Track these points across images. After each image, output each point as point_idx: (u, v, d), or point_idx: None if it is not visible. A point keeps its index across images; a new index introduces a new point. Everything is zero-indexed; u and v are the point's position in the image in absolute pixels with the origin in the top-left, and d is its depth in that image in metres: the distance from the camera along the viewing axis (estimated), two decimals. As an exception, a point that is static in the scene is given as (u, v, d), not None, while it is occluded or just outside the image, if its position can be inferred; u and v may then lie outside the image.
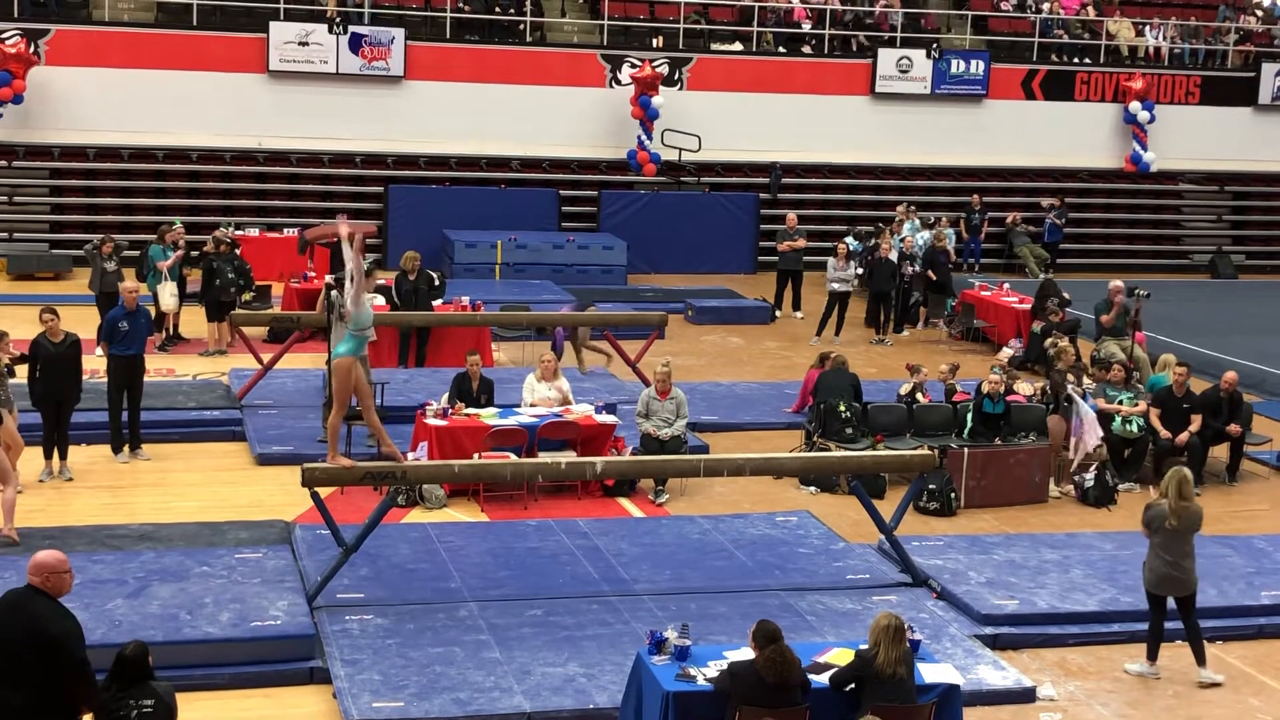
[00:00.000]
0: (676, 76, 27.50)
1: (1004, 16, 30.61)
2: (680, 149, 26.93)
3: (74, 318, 14.98)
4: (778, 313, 22.67)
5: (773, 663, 7.85)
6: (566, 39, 28.30)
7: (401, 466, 10.72)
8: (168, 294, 18.70)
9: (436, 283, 18.52)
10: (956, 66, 28.67)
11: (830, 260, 21.23)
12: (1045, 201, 28.14)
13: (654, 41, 28.08)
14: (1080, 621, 10.91)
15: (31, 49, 24.62)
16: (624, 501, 13.59)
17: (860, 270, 22.22)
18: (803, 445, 14.59)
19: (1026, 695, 9.73)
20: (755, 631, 8.03)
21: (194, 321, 18.98)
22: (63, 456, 13.46)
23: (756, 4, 28.56)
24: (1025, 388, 15.57)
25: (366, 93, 26.22)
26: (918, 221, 24.64)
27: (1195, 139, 29.71)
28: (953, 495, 13.60)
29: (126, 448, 14.05)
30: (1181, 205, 30.62)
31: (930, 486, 13.42)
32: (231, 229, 21.58)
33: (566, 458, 12.76)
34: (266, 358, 16.10)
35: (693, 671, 8.33)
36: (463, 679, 9.35)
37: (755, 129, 27.52)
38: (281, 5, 26.10)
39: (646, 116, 26.64)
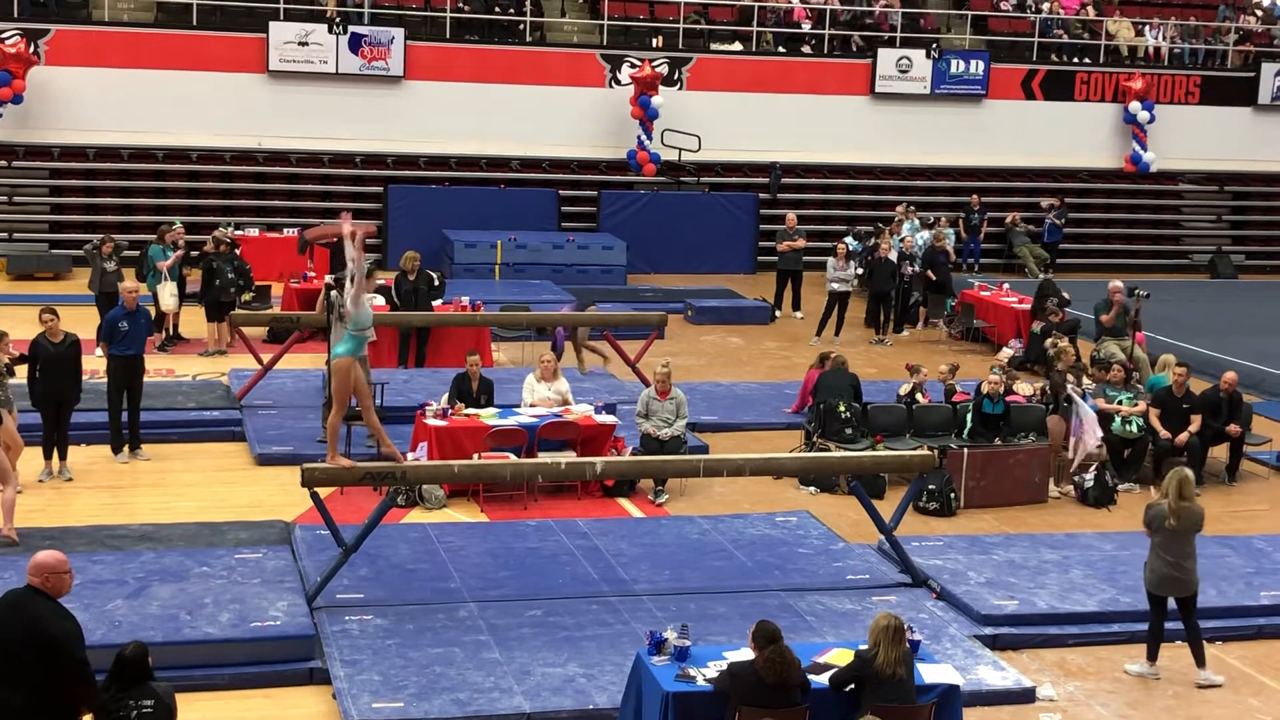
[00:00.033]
0: (676, 76, 27.50)
1: (1004, 16, 30.61)
2: (680, 149, 26.93)
3: (74, 318, 14.98)
4: (777, 313, 22.67)
5: (772, 663, 7.86)
6: (566, 39, 28.30)
7: (401, 467, 10.72)
8: (167, 294, 18.70)
9: (436, 283, 18.52)
10: (956, 66, 28.68)
11: (830, 260, 21.24)
12: (1045, 202, 28.13)
13: (654, 41, 28.08)
14: (1080, 622, 10.91)
15: (31, 49, 24.63)
16: (624, 502, 13.59)
17: (860, 270, 22.22)
18: (802, 445, 14.59)
19: (1026, 695, 9.74)
20: (755, 632, 8.03)
21: (194, 322, 18.98)
22: (62, 457, 13.46)
23: (756, 4, 28.56)
24: (1025, 388, 15.58)
25: (366, 93, 26.23)
26: (917, 221, 24.65)
27: (1195, 139, 29.71)
28: (952, 495, 13.60)
29: (126, 448, 14.05)
30: (1181, 205, 30.62)
31: (930, 487, 13.42)
32: (231, 229, 21.59)
33: (566, 458, 12.76)
34: (266, 358, 16.10)
35: (692, 672, 8.33)
36: (462, 679, 9.35)
37: (755, 129, 27.52)
38: (281, 5, 26.10)
39: (646, 116, 26.64)
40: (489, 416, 13.78)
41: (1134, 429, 14.73)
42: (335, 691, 9.24)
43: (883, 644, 8.03)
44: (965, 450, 13.87)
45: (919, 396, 15.18)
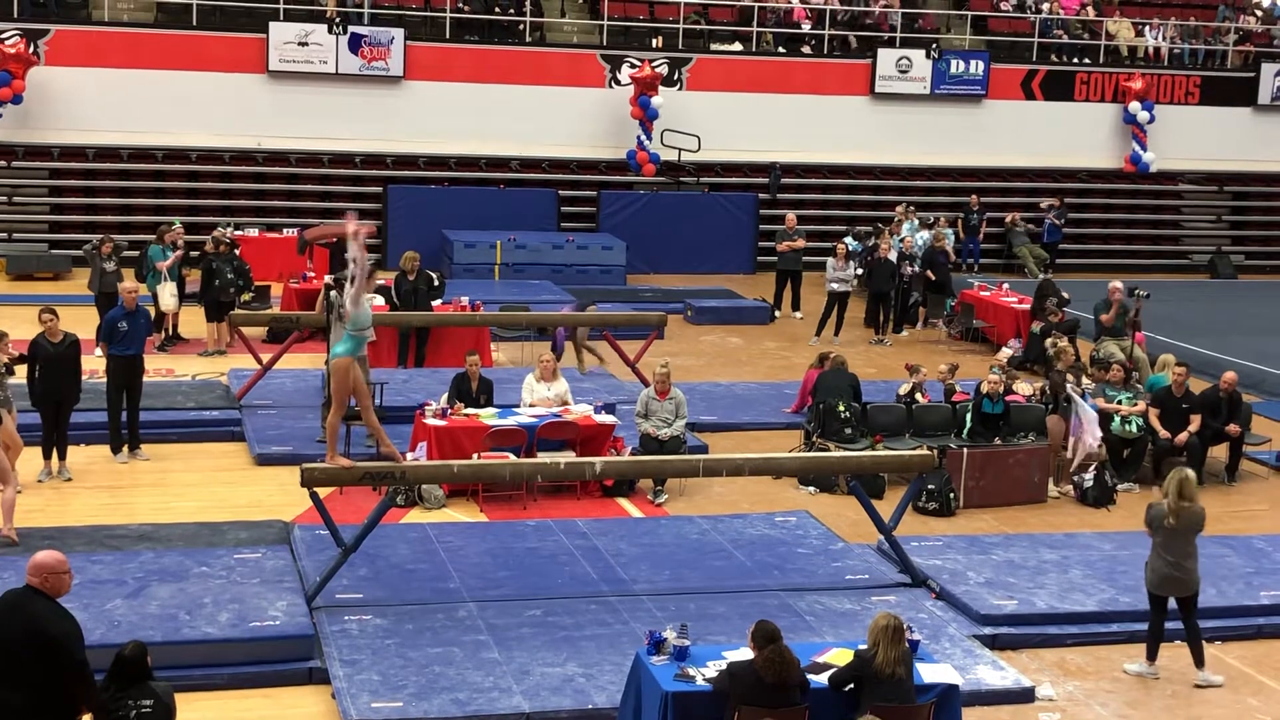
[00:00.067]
0: (676, 77, 27.50)
1: (1003, 16, 30.61)
2: (680, 149, 26.93)
3: (73, 318, 14.98)
4: (777, 313, 22.67)
5: (772, 663, 7.85)
6: (566, 39, 28.30)
7: (400, 467, 10.72)
8: (167, 294, 18.70)
9: (436, 283, 18.52)
10: (956, 67, 28.68)
11: (829, 260, 21.24)
12: (1044, 203, 28.12)
13: (653, 42, 28.08)
14: (1079, 622, 10.91)
15: (31, 49, 24.62)
16: (623, 502, 13.59)
17: (859, 270, 22.22)
18: (802, 445, 14.59)
19: (1025, 695, 9.74)
20: (754, 632, 8.03)
21: (193, 322, 18.98)
22: (62, 457, 13.45)
23: (756, 4, 28.56)
24: (1024, 388, 15.58)
25: (366, 93, 26.22)
26: (916, 222, 24.65)
27: (1195, 139, 29.71)
28: (952, 495, 13.60)
29: (125, 448, 14.05)
30: (1181, 205, 30.61)
31: (929, 487, 13.42)
32: (230, 229, 21.59)
33: (565, 458, 12.75)
34: (266, 358, 16.10)
35: (691, 672, 8.32)
36: (462, 679, 9.35)
37: (755, 129, 27.52)
38: (281, 5, 26.10)
39: (646, 117, 26.64)
40: (488, 416, 13.78)
41: (1133, 429, 14.73)
42: (334, 691, 9.24)
43: (882, 644, 8.03)
44: (965, 450, 13.87)
45: (918, 396, 15.18)
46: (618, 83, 27.16)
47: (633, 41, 28.11)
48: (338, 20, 25.93)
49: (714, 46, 28.26)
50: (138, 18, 26.40)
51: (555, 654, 9.79)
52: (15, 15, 25.10)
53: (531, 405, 14.21)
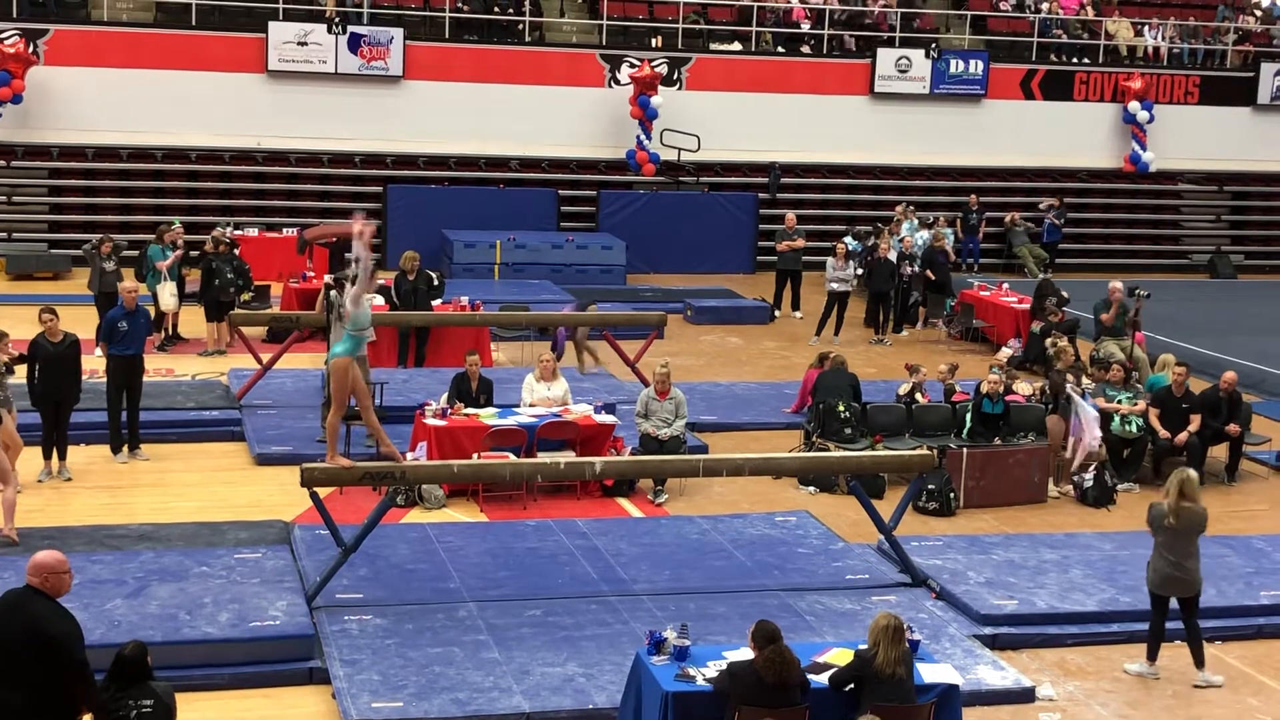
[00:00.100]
0: (675, 76, 27.50)
1: (1003, 16, 30.61)
2: (679, 149, 26.93)
3: (73, 318, 14.97)
4: (777, 313, 22.67)
5: (772, 663, 7.85)
6: (565, 39, 28.29)
7: (400, 466, 10.72)
8: (167, 294, 18.70)
9: (435, 283, 18.52)
10: (955, 66, 28.67)
11: (829, 260, 21.24)
12: (1044, 203, 28.11)
13: (653, 41, 28.07)
14: (1079, 621, 10.91)
15: (30, 49, 24.62)
16: (623, 501, 13.59)
17: (859, 270, 22.22)
18: (802, 445, 14.59)
19: (1026, 695, 9.74)
20: (754, 631, 8.03)
21: (193, 321, 18.98)
22: (61, 457, 13.45)
23: (755, 4, 28.55)
24: (1024, 388, 15.57)
25: (365, 92, 26.22)
26: (916, 221, 24.65)
27: (1194, 139, 29.71)
28: (952, 495, 13.60)
29: (125, 448, 14.05)
30: (1180, 205, 30.62)
31: (929, 486, 13.42)
32: (230, 229, 21.59)
33: (565, 458, 12.75)
34: (265, 358, 16.10)
35: (692, 672, 8.32)
36: (462, 679, 9.35)
37: (754, 129, 27.52)
38: (280, 5, 26.09)
39: (645, 116, 26.64)
40: (488, 416, 13.78)
41: (1133, 429, 14.73)
42: (335, 691, 9.24)
43: (882, 644, 8.03)
44: (965, 450, 13.87)
45: (918, 396, 15.18)
46: (617, 82, 27.16)
47: (632, 41, 28.11)
48: (337, 20, 25.93)
49: (713, 46, 28.25)
50: (137, 17, 26.39)
51: (555, 654, 9.79)
52: (15, 15, 25.09)
53: (531, 405, 14.21)
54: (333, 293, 13.70)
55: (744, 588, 11.23)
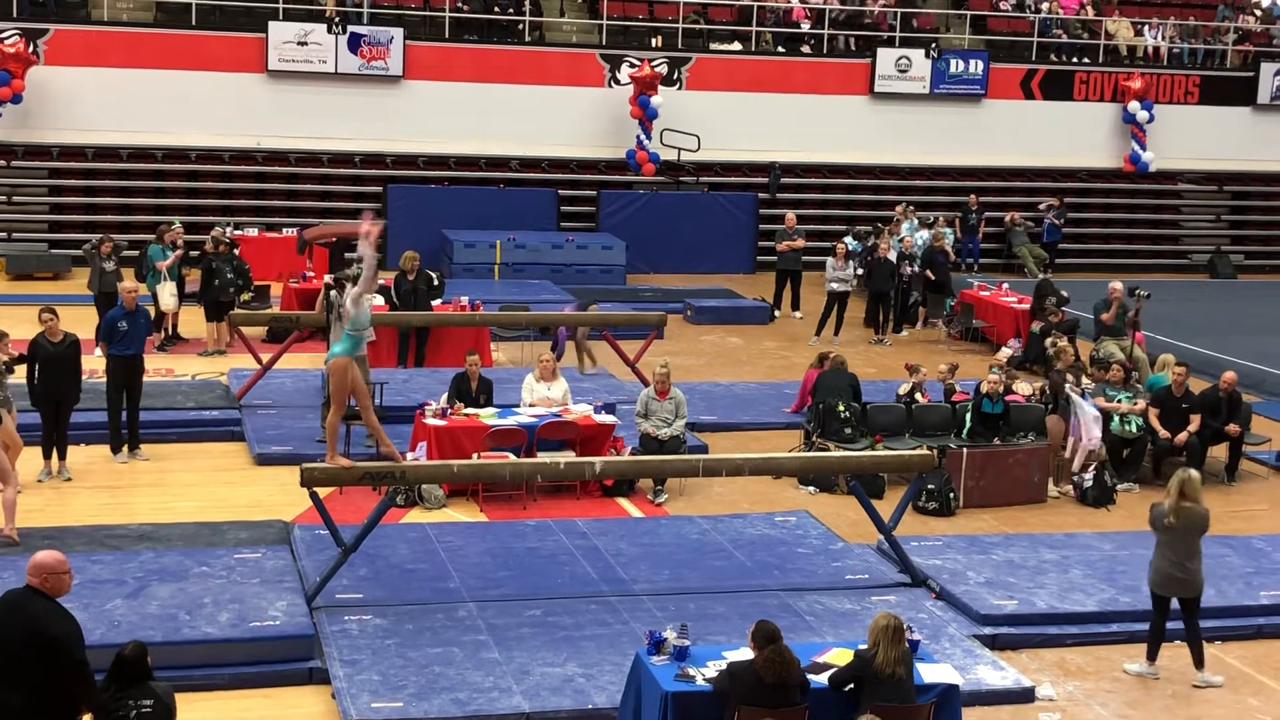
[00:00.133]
0: (675, 76, 27.50)
1: (1003, 16, 30.61)
2: (679, 149, 26.93)
3: (73, 318, 14.97)
4: (776, 313, 22.67)
5: (772, 663, 7.85)
6: (565, 39, 28.29)
7: (400, 466, 10.72)
8: (167, 294, 18.70)
9: (435, 283, 18.52)
10: (955, 66, 28.67)
11: (829, 260, 21.24)
12: (1044, 203, 28.11)
13: (653, 41, 28.07)
14: (1079, 622, 10.91)
15: (30, 49, 24.62)
16: (623, 501, 13.59)
17: (859, 270, 22.22)
18: (801, 445, 14.59)
19: (1025, 695, 9.74)
20: (754, 631, 8.03)
21: (193, 321, 18.98)
22: (61, 456, 13.45)
23: (755, 4, 28.56)
24: (1024, 388, 15.58)
25: (365, 92, 26.22)
26: (916, 221, 24.65)
27: (1194, 139, 29.72)
28: (951, 495, 13.60)
29: (125, 448, 14.05)
30: (1180, 205, 30.62)
31: (929, 486, 13.42)
32: (230, 229, 21.59)
33: (565, 458, 12.75)
34: (265, 358, 16.10)
35: (691, 672, 8.32)
36: (461, 679, 9.35)
37: (754, 129, 27.53)
38: (280, 5, 26.09)
39: (645, 116, 26.64)
40: (488, 416, 13.78)
41: (1133, 429, 14.73)
42: (334, 691, 9.24)
43: (882, 644, 8.03)
44: (964, 450, 13.88)
45: (918, 396, 15.18)
46: (617, 82, 27.16)
47: (632, 41, 28.11)
48: (337, 20, 25.93)
49: (713, 46, 28.26)
50: (137, 17, 26.39)
51: (555, 654, 9.80)
52: (15, 15, 25.10)
53: (531, 405, 14.21)
54: (333, 293, 13.70)
55: (744, 588, 11.23)
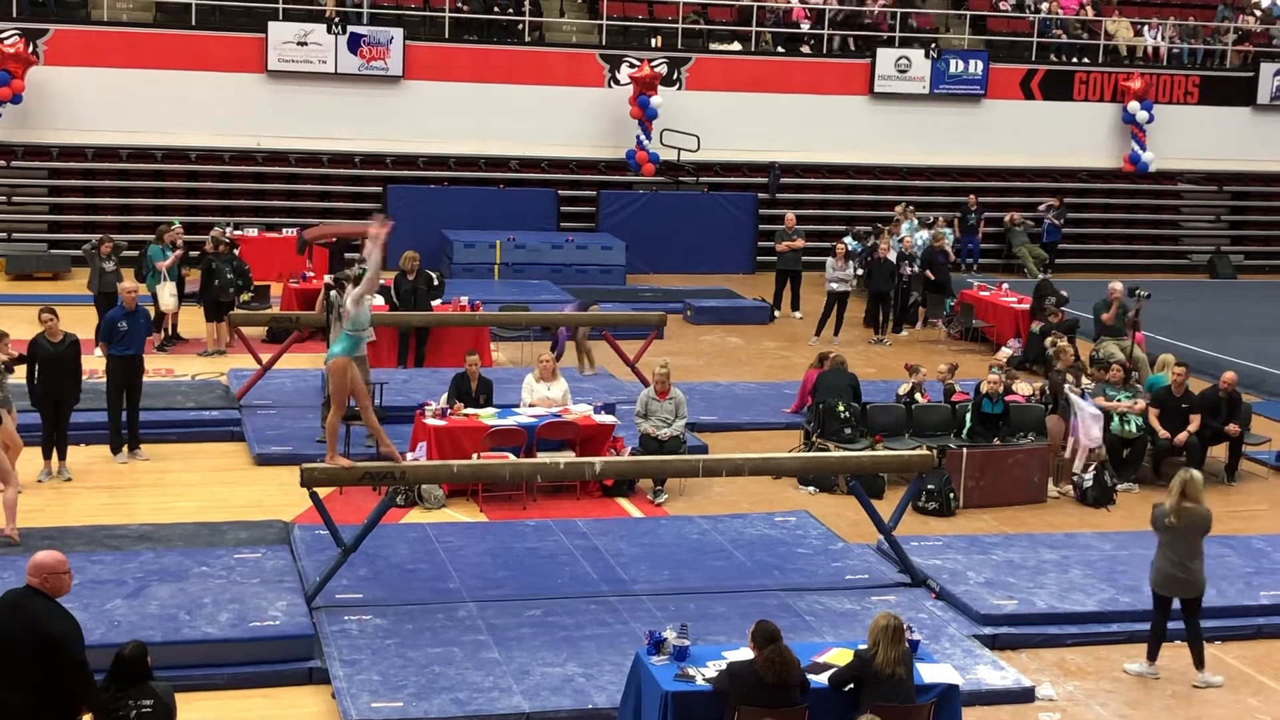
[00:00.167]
0: (675, 76, 27.50)
1: (1002, 16, 30.62)
2: (679, 149, 26.93)
3: (73, 318, 14.98)
4: (776, 313, 22.67)
5: (771, 663, 7.85)
6: (565, 39, 28.30)
7: (400, 466, 10.72)
8: (167, 294, 18.70)
9: (435, 283, 18.52)
10: (955, 66, 28.68)
11: (829, 260, 21.24)
12: (1043, 204, 28.10)
13: (653, 41, 28.08)
14: (1079, 621, 10.91)
15: (30, 49, 24.62)
16: (623, 502, 13.59)
17: (859, 270, 22.23)
18: (801, 445, 14.58)
19: (1025, 695, 9.74)
20: (754, 631, 8.03)
21: (193, 321, 18.98)
22: (61, 457, 13.45)
23: (755, 4, 28.56)
24: (1024, 388, 15.57)
25: (365, 92, 26.23)
26: (915, 221, 24.65)
27: (1194, 139, 29.73)
28: (951, 495, 13.60)
29: (125, 448, 14.05)
30: (1180, 205, 30.62)
31: (929, 486, 13.42)
32: (230, 229, 21.59)
33: (565, 458, 12.75)
34: (265, 358, 16.10)
35: (691, 672, 8.32)
36: (461, 679, 9.35)
37: (754, 129, 27.53)
38: (280, 5, 26.09)
39: (645, 116, 26.64)
40: (488, 416, 13.78)
41: (1133, 429, 14.72)
42: (334, 691, 9.24)
43: (882, 644, 8.03)
44: (964, 450, 13.87)
45: (918, 396, 15.18)
46: (617, 82, 27.16)
47: (632, 41, 28.11)
48: (337, 20, 25.93)
49: (713, 46, 28.26)
50: (137, 17, 26.39)
51: (555, 654, 9.80)
52: (14, 15, 25.10)
53: (531, 405, 14.21)
54: (333, 293, 13.70)
55: (744, 588, 11.23)
